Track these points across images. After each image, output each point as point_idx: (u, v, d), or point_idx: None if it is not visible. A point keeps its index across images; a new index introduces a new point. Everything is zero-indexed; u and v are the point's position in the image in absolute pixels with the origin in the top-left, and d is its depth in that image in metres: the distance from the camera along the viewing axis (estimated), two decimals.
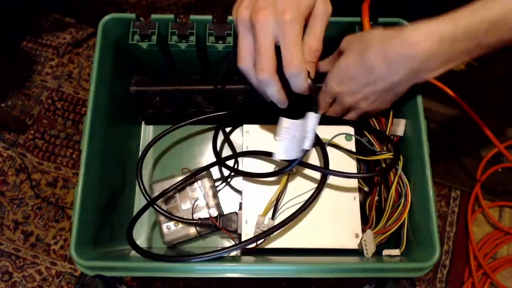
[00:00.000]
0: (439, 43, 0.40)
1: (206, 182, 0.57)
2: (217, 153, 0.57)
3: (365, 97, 0.49)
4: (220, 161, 0.55)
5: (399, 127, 0.54)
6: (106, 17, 0.54)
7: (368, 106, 0.50)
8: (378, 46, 0.43)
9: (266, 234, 0.47)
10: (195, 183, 0.57)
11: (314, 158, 0.54)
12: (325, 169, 0.50)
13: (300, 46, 0.40)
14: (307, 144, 0.46)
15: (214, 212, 0.56)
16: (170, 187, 0.55)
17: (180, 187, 0.57)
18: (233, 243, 0.47)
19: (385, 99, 0.49)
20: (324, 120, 0.53)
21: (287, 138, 0.47)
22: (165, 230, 0.56)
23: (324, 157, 0.51)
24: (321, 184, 0.50)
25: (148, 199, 0.54)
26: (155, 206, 0.54)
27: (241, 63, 0.42)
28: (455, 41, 0.40)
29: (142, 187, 0.54)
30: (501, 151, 0.61)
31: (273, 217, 0.51)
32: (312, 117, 0.46)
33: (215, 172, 0.62)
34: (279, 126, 0.47)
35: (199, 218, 0.54)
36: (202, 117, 0.59)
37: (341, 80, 0.48)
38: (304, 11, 0.40)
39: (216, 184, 0.60)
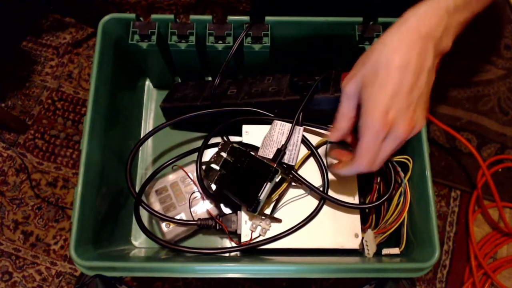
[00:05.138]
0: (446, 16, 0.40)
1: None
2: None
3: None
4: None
5: None
6: (106, 17, 0.54)
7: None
8: (394, 46, 0.39)
9: (267, 241, 0.49)
10: (188, 178, 0.58)
11: (315, 171, 0.54)
12: (324, 193, 0.51)
13: None
14: (287, 158, 0.50)
15: (211, 204, 0.57)
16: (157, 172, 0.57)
17: (174, 185, 0.58)
18: (232, 241, 0.47)
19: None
20: (325, 120, 0.53)
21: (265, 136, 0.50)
22: (164, 228, 0.56)
23: (324, 180, 0.52)
24: (319, 207, 0.51)
25: (135, 195, 0.53)
26: (143, 204, 0.54)
27: None
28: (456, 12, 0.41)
29: (129, 183, 0.54)
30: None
31: (271, 214, 0.51)
32: (296, 130, 0.50)
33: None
34: None
35: (199, 219, 0.54)
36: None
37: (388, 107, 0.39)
38: None
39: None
